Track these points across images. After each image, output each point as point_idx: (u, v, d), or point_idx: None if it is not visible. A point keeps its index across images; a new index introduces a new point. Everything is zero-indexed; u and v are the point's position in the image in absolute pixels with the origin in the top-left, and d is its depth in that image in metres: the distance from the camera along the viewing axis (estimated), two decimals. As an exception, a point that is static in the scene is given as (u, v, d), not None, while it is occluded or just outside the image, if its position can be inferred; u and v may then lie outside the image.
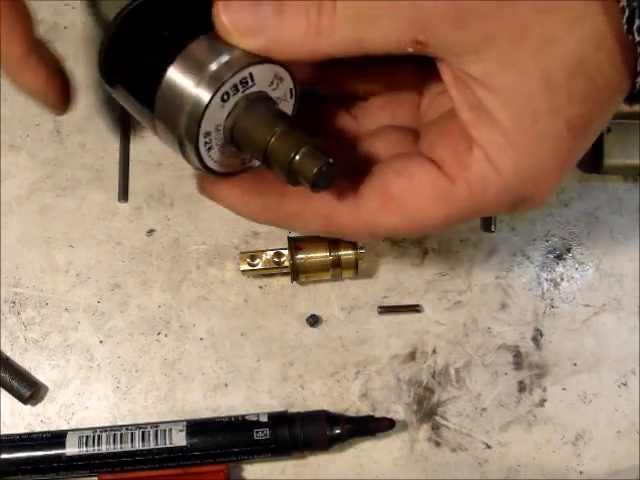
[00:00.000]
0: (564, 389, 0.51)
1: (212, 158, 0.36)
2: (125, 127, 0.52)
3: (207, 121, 0.34)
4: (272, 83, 0.35)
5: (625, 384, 0.51)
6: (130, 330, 0.50)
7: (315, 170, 0.33)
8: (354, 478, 0.49)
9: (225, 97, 0.34)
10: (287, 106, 0.37)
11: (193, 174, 0.39)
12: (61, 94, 0.39)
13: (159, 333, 0.51)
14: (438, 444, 0.50)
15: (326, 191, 0.35)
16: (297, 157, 0.33)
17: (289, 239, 0.49)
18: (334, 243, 0.48)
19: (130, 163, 0.51)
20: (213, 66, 0.33)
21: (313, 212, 0.37)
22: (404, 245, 0.52)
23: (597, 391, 0.51)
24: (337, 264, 0.49)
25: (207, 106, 0.33)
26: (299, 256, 0.48)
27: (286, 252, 0.49)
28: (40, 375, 0.50)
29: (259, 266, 0.49)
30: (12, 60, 0.37)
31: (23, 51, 0.37)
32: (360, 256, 0.49)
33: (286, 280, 0.51)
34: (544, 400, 0.51)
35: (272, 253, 0.49)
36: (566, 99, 0.33)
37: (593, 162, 0.51)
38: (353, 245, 0.48)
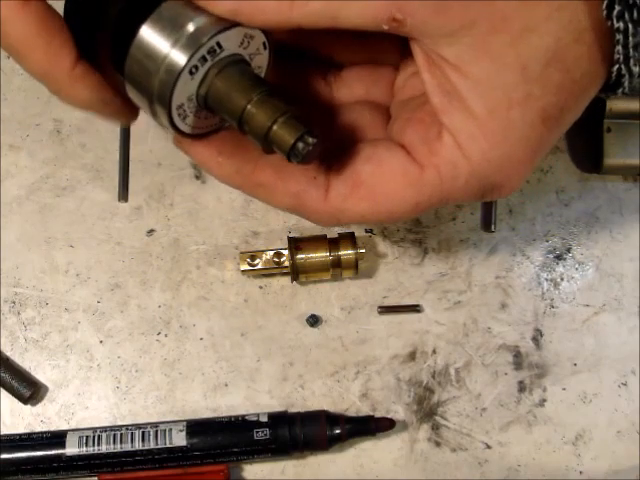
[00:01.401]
0: (564, 389, 0.51)
1: (187, 124, 0.35)
2: (125, 127, 0.52)
3: (178, 94, 0.33)
4: (242, 43, 0.34)
5: (625, 384, 0.51)
6: (130, 330, 0.50)
7: (292, 141, 0.32)
8: (354, 478, 0.49)
9: (193, 70, 0.32)
10: (262, 59, 0.35)
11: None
12: (121, 97, 0.35)
13: (159, 333, 0.51)
14: (438, 444, 0.50)
15: (305, 165, 0.33)
16: (274, 127, 0.32)
17: (289, 239, 0.49)
18: (334, 243, 0.48)
19: (130, 163, 0.51)
20: (190, 27, 0.31)
21: (283, 188, 0.36)
22: (404, 245, 0.52)
23: (597, 391, 0.51)
24: (337, 264, 0.49)
25: (181, 71, 0.32)
26: (299, 256, 0.48)
27: (286, 252, 0.49)
28: (40, 375, 0.50)
29: (259, 266, 0.49)
30: (62, 75, 0.33)
31: (71, 62, 0.33)
32: (360, 256, 0.49)
33: (286, 280, 0.51)
34: (544, 400, 0.51)
35: (272, 253, 0.49)
36: (541, 90, 0.32)
37: (593, 162, 0.51)
38: (353, 245, 0.48)
